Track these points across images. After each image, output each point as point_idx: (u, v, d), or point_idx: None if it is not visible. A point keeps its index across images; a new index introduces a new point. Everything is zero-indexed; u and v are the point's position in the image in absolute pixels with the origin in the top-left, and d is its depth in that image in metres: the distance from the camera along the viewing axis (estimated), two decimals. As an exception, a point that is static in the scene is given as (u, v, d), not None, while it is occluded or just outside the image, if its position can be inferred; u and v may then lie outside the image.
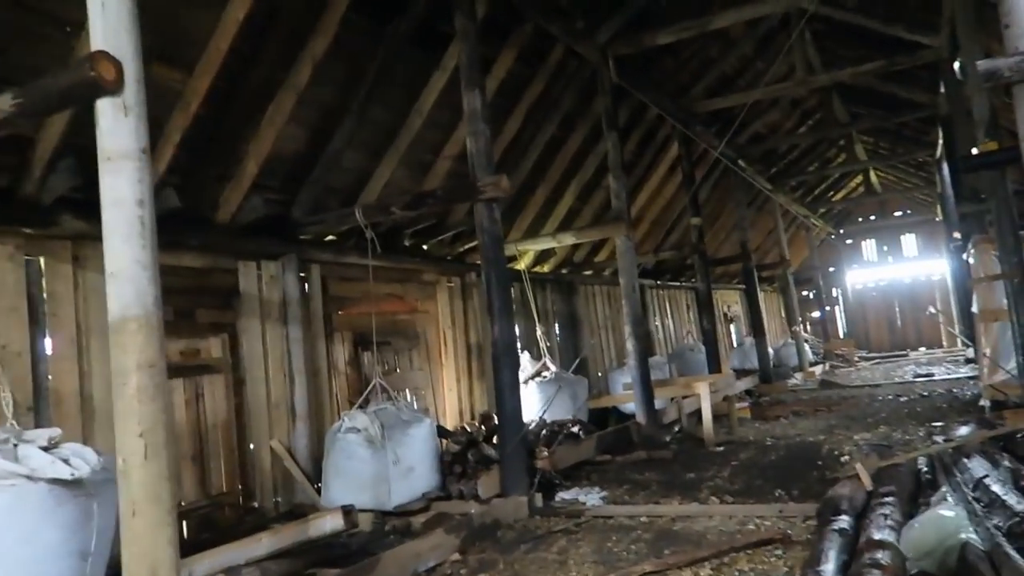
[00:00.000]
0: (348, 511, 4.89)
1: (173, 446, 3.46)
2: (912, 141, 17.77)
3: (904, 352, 22.32)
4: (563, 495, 6.87)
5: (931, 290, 23.62)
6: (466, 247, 9.95)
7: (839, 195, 23.03)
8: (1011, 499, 3.57)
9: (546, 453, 6.91)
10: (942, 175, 17.04)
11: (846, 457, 7.26)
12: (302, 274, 7.41)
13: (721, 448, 8.72)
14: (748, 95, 11.86)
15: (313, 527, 4.79)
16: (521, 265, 11.10)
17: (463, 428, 7.39)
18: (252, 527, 6.13)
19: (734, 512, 5.61)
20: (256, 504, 6.72)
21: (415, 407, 7.86)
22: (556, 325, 12.54)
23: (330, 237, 8.01)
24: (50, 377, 5.31)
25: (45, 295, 5.40)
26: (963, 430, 7.10)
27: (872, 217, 24.84)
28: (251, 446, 6.80)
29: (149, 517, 3.26)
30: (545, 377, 9.62)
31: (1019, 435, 5.05)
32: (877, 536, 3.71)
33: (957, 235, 16.81)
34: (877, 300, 24.52)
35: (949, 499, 3.75)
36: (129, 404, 3.32)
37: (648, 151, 13.36)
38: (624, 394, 10.04)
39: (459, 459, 6.74)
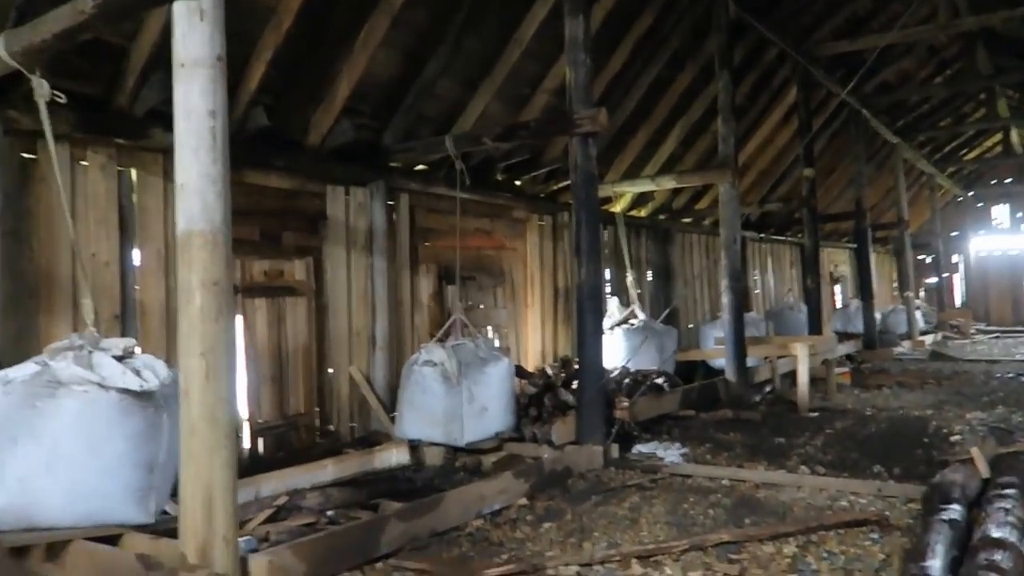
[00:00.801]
0: (415, 446, 4.78)
1: (235, 369, 3.37)
2: (1064, 96, 15.98)
3: (1028, 328, 20.65)
4: (640, 448, 6.60)
5: (1068, 263, 21.63)
6: (560, 186, 9.58)
7: (972, 154, 21.15)
8: None
9: (626, 403, 6.63)
10: (1097, 136, 15.32)
11: (957, 437, 6.65)
12: (390, 203, 7.28)
13: (815, 414, 8.20)
14: (881, 38, 10.80)
15: (379, 458, 4.72)
16: (617, 208, 10.68)
17: (542, 371, 7.19)
18: (326, 450, 6.17)
19: (826, 485, 5.19)
20: (332, 428, 6.76)
21: (495, 346, 7.69)
22: (648, 273, 12.09)
23: (420, 167, 7.82)
24: (137, 288, 5.38)
25: (136, 207, 5.45)
26: (1098, 420, 6.38)
27: (1008, 180, 22.75)
28: (330, 371, 6.81)
29: (206, 438, 3.19)
30: (632, 325, 9.28)
31: None
32: (996, 534, 3.27)
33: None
34: (1003, 270, 22.61)
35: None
36: (192, 323, 3.23)
37: (763, 96, 12.49)
38: (715, 349, 9.58)
39: (535, 402, 6.55)
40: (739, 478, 5.49)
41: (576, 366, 6.58)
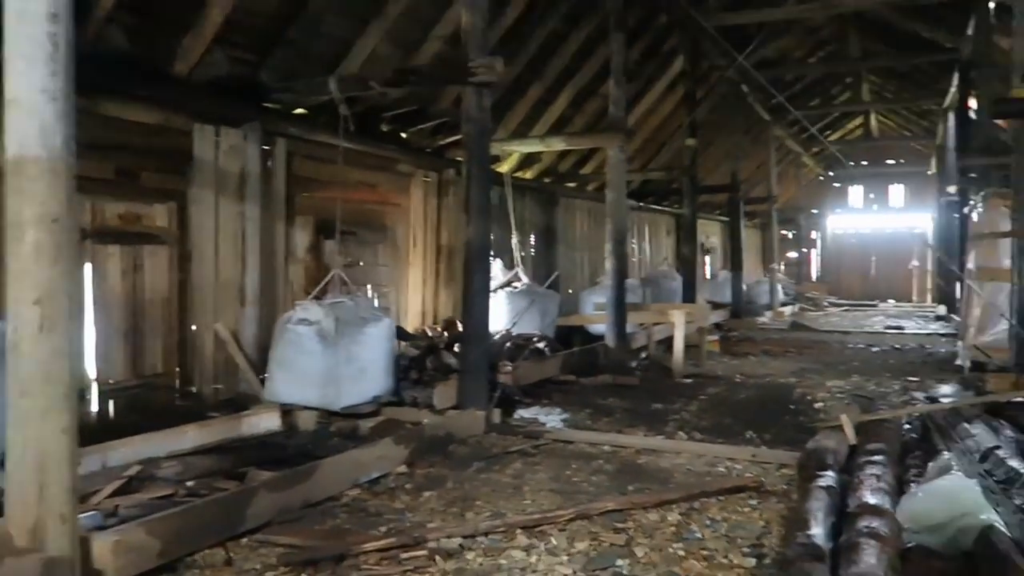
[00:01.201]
0: (287, 410, 4.42)
1: (80, 321, 2.92)
2: (921, 87, 17.11)
3: (874, 302, 22.25)
4: (522, 413, 6.51)
5: (910, 243, 23.42)
6: (448, 140, 9.25)
7: (836, 135, 22.40)
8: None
9: (510, 368, 6.50)
10: (947, 125, 16.50)
11: (821, 404, 6.97)
12: (266, 147, 6.73)
13: (689, 380, 8.41)
14: (769, 13, 11.03)
15: (247, 424, 4.34)
16: (504, 168, 10.46)
17: (424, 332, 6.92)
18: (187, 414, 5.67)
19: (704, 451, 5.26)
20: (194, 389, 6.25)
21: (375, 305, 7.35)
22: (532, 236, 12.02)
23: (300, 110, 7.28)
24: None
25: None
26: (945, 389, 6.85)
27: (864, 163, 24.32)
28: (193, 327, 6.27)
29: (39, 399, 2.75)
30: (516, 288, 9.15)
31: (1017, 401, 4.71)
32: (873, 500, 3.35)
33: (952, 189, 16.45)
34: (855, 247, 24.28)
35: (956, 469, 3.38)
36: (23, 264, 2.76)
37: (651, 63, 12.55)
38: (596, 314, 9.64)
39: (417, 364, 6.31)
40: (621, 444, 5.48)
41: (460, 328, 6.36)
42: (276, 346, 5.95)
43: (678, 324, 8.71)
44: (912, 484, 3.88)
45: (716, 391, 7.79)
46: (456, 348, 6.57)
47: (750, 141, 17.93)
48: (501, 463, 5.06)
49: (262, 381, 6.13)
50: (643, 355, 9.78)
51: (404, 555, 3.45)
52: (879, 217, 24.16)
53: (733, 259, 15.03)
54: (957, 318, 14.57)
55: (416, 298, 8.91)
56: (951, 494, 3.04)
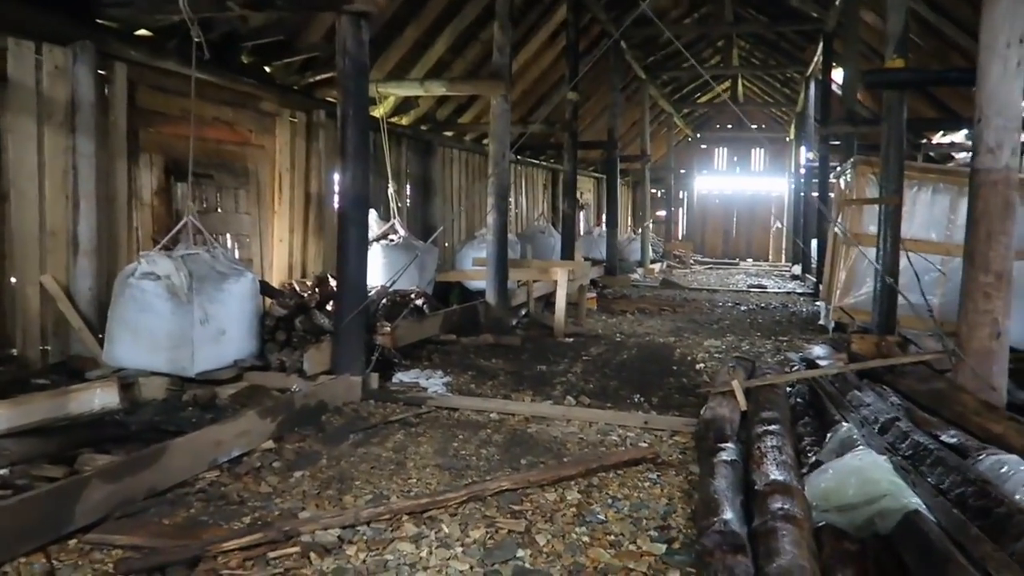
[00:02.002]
0: (126, 384, 3.76)
1: None
2: (786, 55, 17.65)
3: (735, 261, 23.25)
4: (402, 377, 6.06)
5: (768, 206, 24.55)
6: (318, 78, 8.47)
7: (705, 98, 22.90)
8: (948, 456, 3.14)
9: (388, 328, 6.01)
10: (808, 93, 17.15)
11: (702, 365, 6.96)
12: (101, 71, 5.77)
13: (571, 340, 8.23)
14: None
15: (75, 402, 3.63)
16: (379, 112, 9.75)
17: (292, 289, 6.28)
18: (6, 381, 4.83)
19: (595, 418, 5.04)
20: (14, 352, 5.37)
21: (235, 258, 6.62)
22: (408, 186, 11.42)
23: (144, 31, 6.32)
24: None
25: None
26: (818, 350, 7.00)
27: (729, 126, 25.11)
28: (12, 280, 5.35)
29: None
30: (393, 241, 8.60)
31: (903, 367, 4.77)
32: (780, 477, 3.18)
33: (811, 155, 17.17)
34: (718, 208, 25.19)
35: (859, 443, 3.28)
36: None
37: (533, 11, 12.11)
38: (477, 270, 9.25)
39: (285, 325, 5.69)
40: (508, 411, 5.17)
41: (333, 285, 5.78)
42: (117, 303, 5.17)
43: (561, 282, 8.48)
44: (811, 455, 3.80)
45: (599, 351, 7.64)
46: (329, 307, 6.00)
47: (624, 99, 17.94)
48: (381, 435, 4.62)
49: (100, 342, 5.34)
50: (523, 313, 9.54)
51: (272, 554, 2.98)
52: (741, 179, 25.11)
53: (608, 216, 15.05)
54: (812, 278, 15.38)
55: (283, 250, 8.17)
56: (863, 472, 2.91)
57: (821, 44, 13.98)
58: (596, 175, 21.25)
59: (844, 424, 3.64)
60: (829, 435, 3.67)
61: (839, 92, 15.55)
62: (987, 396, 4.24)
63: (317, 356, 5.39)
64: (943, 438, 3.46)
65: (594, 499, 3.61)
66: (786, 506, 2.92)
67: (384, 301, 7.21)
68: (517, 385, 6.06)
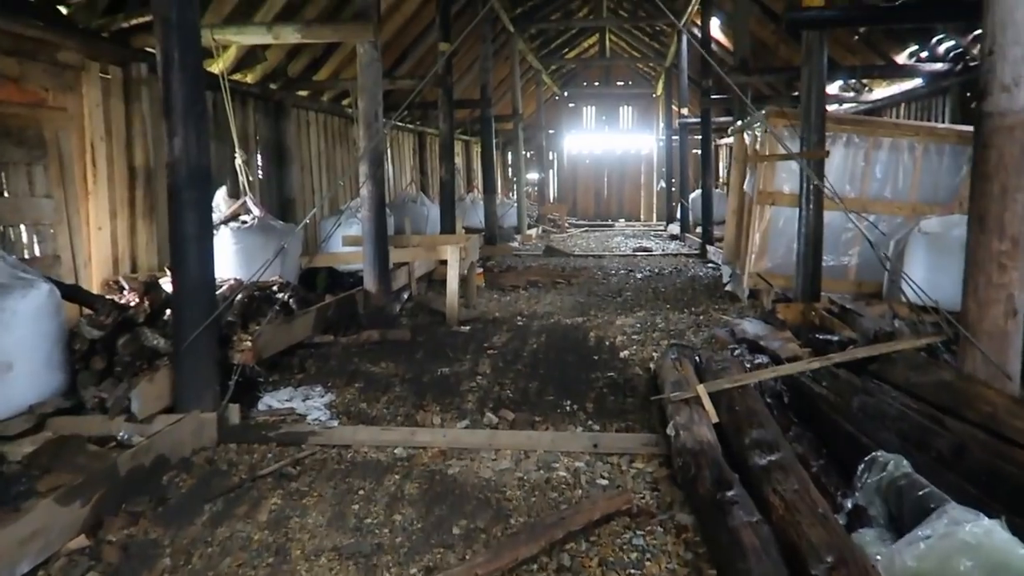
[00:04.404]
0: None
1: None
2: (657, 5, 16.95)
3: (608, 222, 22.82)
4: (271, 401, 4.74)
5: (639, 165, 24.24)
6: (135, 22, 6.72)
7: (572, 53, 22.09)
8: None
9: (248, 341, 4.65)
10: (680, 46, 16.64)
11: (626, 353, 6.05)
12: None
13: (466, 328, 7.13)
14: None
15: None
16: (218, 66, 8.09)
17: (112, 300, 4.75)
18: None
19: (529, 444, 3.97)
20: None
21: (35, 255, 5.01)
22: (259, 155, 9.80)
23: None
24: None
25: None
26: (747, 325, 6.26)
27: (596, 83, 24.49)
28: None
29: None
30: (245, 222, 7.10)
31: (891, 357, 4.00)
32: (840, 551, 2.24)
33: (685, 111, 16.74)
34: (589, 168, 24.60)
35: (926, 487, 2.39)
36: None
37: (393, -51, 10.66)
38: (351, 252, 7.92)
39: (104, 349, 4.22)
40: (418, 443, 4.01)
41: (170, 290, 4.34)
42: None
43: (451, 261, 7.32)
44: (839, 496, 2.91)
45: (503, 341, 6.58)
46: (167, 317, 4.56)
47: (492, 55, 16.77)
48: (249, 500, 3.36)
49: None
50: (406, 297, 8.31)
51: None
52: (610, 138, 24.64)
53: (486, 181, 13.92)
54: (694, 237, 15.02)
55: (103, 240, 6.50)
56: (981, 551, 2.01)
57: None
58: (464, 137, 20.03)
59: (882, 454, 2.76)
60: (863, 470, 2.79)
61: (725, 41, 15.12)
62: (1003, 386, 3.52)
63: (151, 390, 3.98)
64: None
65: (573, 595, 2.56)
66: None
67: (240, 298, 5.80)
68: (419, 398, 4.89)
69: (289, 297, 6.29)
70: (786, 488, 2.80)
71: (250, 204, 7.17)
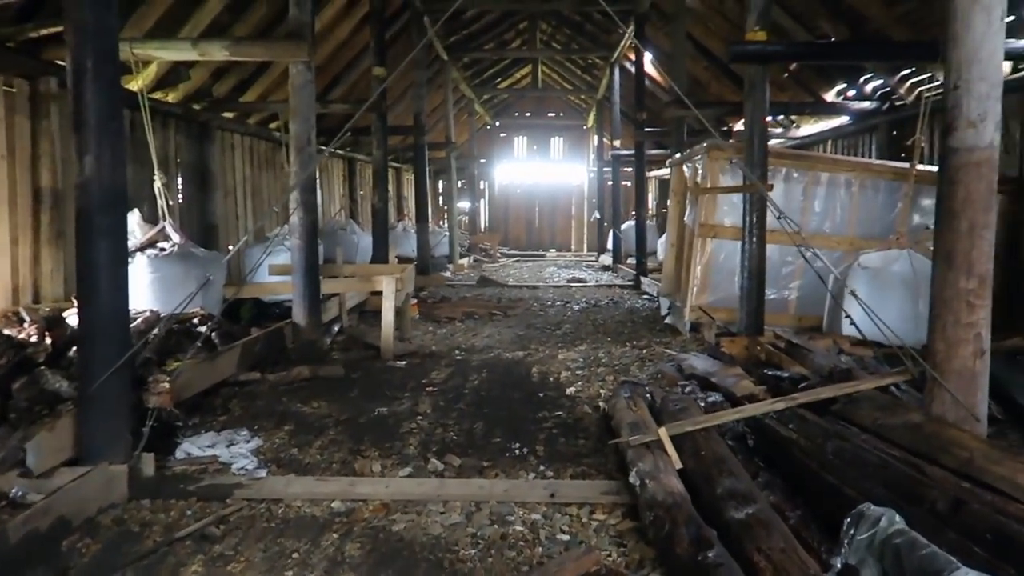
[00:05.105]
0: None
1: None
2: (591, 38, 17.15)
3: (539, 252, 22.76)
4: (189, 447, 4.29)
5: (570, 195, 24.32)
6: (44, 32, 6.22)
7: (505, 83, 22.09)
8: None
9: (166, 383, 4.20)
10: (613, 79, 16.81)
11: (573, 389, 5.81)
12: None
13: (403, 363, 6.77)
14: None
15: None
16: (137, 84, 7.58)
17: (6, 336, 4.23)
18: None
19: (480, 495, 3.65)
20: None
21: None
22: (180, 178, 9.26)
23: None
24: None
25: None
26: (695, 360, 6.12)
27: (528, 114, 24.55)
28: None
29: None
30: (164, 249, 6.59)
31: (850, 398, 3.86)
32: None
33: (617, 143, 16.87)
34: (520, 198, 24.52)
35: (922, 543, 2.20)
36: None
37: (327, -29, 10.35)
38: (280, 282, 7.47)
39: (-5, 392, 3.71)
40: (358, 496, 3.64)
41: (77, 325, 3.87)
42: None
43: (387, 292, 6.97)
44: (824, 553, 2.70)
45: (443, 377, 6.26)
46: (72, 355, 4.07)
47: (426, 82, 16.57)
48: (165, 567, 2.94)
49: None
50: (337, 330, 7.89)
51: None
52: (541, 168, 24.68)
53: (419, 209, 13.60)
54: (627, 268, 15.03)
55: (1, 268, 5.92)
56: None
57: (633, 25, 13.46)
58: (395, 164, 19.68)
59: (870, 507, 2.57)
60: (850, 524, 2.59)
61: (657, 75, 15.29)
62: (972, 428, 3.42)
63: (51, 440, 3.49)
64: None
65: None
66: None
67: (156, 333, 5.31)
68: (356, 442, 4.51)
69: (212, 331, 5.82)
70: (771, 547, 2.58)
71: (169, 230, 6.66)
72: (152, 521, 3.36)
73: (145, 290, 6.27)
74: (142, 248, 6.54)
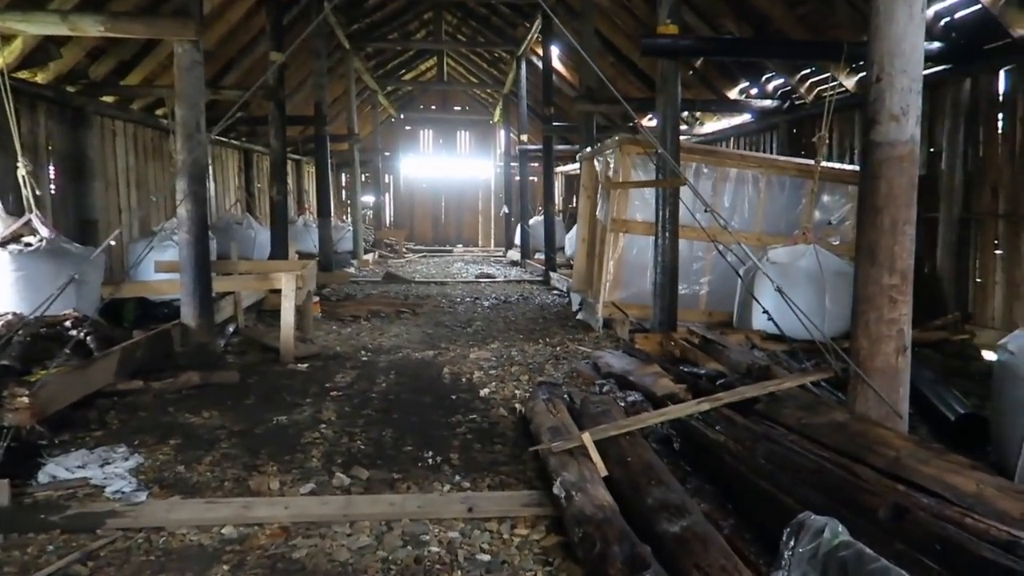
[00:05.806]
0: None
1: None
2: (497, 31, 16.94)
3: (446, 248, 22.41)
4: (55, 469, 3.78)
5: (476, 190, 24.04)
6: None
7: (410, 75, 21.58)
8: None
9: (25, 396, 3.68)
10: (519, 73, 16.65)
11: (487, 391, 5.55)
12: None
13: (305, 366, 6.35)
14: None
15: None
16: (-2, 60, 6.82)
17: None
18: None
19: (391, 513, 3.34)
20: None
21: None
22: (51, 167, 8.44)
23: None
24: None
25: None
26: (611, 359, 5.97)
27: (433, 107, 24.10)
28: None
29: None
30: (31, 245, 5.93)
31: (770, 397, 3.77)
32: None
33: (525, 137, 16.73)
34: (426, 193, 24.06)
35: (861, 549, 2.07)
36: None
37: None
38: (166, 280, 6.89)
39: None
40: (252, 520, 3.26)
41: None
42: None
43: (287, 291, 6.52)
44: (774, 572, 2.54)
45: (348, 380, 5.89)
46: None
47: (327, 72, 15.95)
48: (17, 621, 2.49)
49: None
50: (232, 330, 7.36)
51: None
52: (447, 163, 24.30)
53: (320, 203, 13.01)
54: (534, 263, 14.92)
55: None
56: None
57: (540, 20, 13.34)
58: (295, 156, 18.91)
59: (811, 516, 2.43)
60: (790, 535, 2.43)
61: (564, 71, 15.22)
62: (895, 425, 3.37)
63: None
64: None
65: None
66: None
67: (19, 337, 4.73)
68: (252, 456, 4.11)
69: (86, 335, 5.25)
70: (711, 563, 2.40)
71: (36, 223, 6.00)
72: (5, 560, 2.88)
73: (8, 290, 5.66)
74: (4, 243, 5.87)
